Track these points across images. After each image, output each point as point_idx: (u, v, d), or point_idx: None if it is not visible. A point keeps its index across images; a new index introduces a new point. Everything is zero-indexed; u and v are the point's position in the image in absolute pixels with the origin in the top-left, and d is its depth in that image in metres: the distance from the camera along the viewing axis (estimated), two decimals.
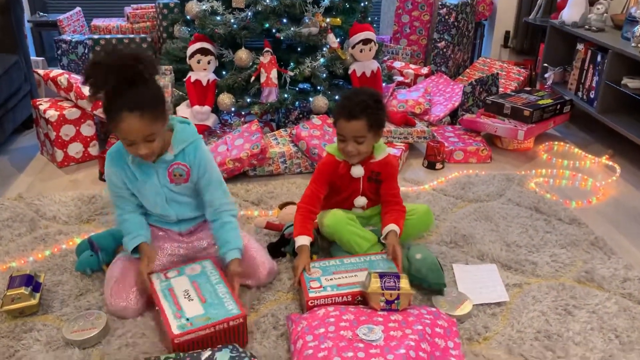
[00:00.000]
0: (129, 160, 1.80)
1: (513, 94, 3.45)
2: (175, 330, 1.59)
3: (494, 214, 2.50)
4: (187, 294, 1.74)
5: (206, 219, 1.98)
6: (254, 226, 2.30)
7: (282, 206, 2.35)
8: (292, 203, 2.32)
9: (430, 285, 1.90)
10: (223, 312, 1.64)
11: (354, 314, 1.63)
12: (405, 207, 2.09)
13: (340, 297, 1.74)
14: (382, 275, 1.69)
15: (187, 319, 1.63)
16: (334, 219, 2.02)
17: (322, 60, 3.18)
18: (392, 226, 2.01)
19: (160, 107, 1.69)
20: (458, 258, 2.17)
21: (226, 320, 1.61)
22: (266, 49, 3.08)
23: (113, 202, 1.90)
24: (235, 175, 2.79)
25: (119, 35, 3.86)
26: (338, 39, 3.26)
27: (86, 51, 3.75)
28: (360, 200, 2.12)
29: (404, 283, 1.67)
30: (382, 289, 1.66)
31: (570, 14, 3.57)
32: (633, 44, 3.06)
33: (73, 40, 3.75)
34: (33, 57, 3.81)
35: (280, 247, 2.14)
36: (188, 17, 3.28)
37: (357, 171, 2.05)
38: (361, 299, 1.75)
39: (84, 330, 1.70)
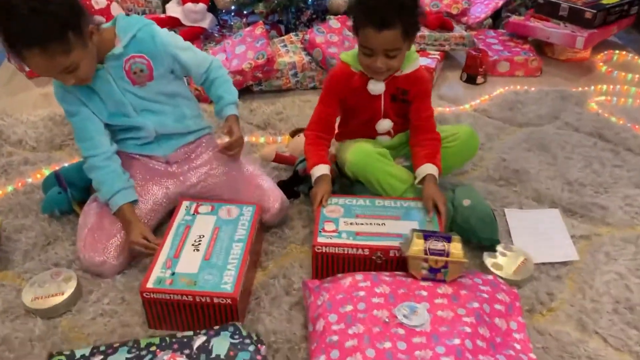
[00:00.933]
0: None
1: None
2: (150, 283, 1.27)
3: (550, 142, 2.06)
4: (199, 241, 1.40)
5: (197, 136, 1.64)
6: (261, 159, 1.89)
7: (293, 133, 1.92)
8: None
9: (480, 239, 1.52)
10: (213, 283, 1.27)
11: (390, 286, 1.27)
12: (439, 134, 1.65)
13: (355, 249, 1.38)
14: (427, 235, 1.30)
15: (173, 274, 1.29)
16: (361, 154, 1.59)
17: None
18: (429, 167, 1.57)
19: (70, 30, 1.26)
20: (510, 200, 1.77)
21: (210, 295, 1.25)
22: None
23: (77, 138, 1.50)
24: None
25: None
26: None
27: None
28: (384, 124, 1.68)
29: (456, 247, 1.29)
30: (426, 254, 1.28)
31: None
32: None
33: None
34: None
35: (292, 186, 1.74)
36: None
37: (376, 87, 1.59)
38: (381, 256, 1.38)
39: (49, 297, 1.36)
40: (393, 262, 1.39)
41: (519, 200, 1.77)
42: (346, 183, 1.73)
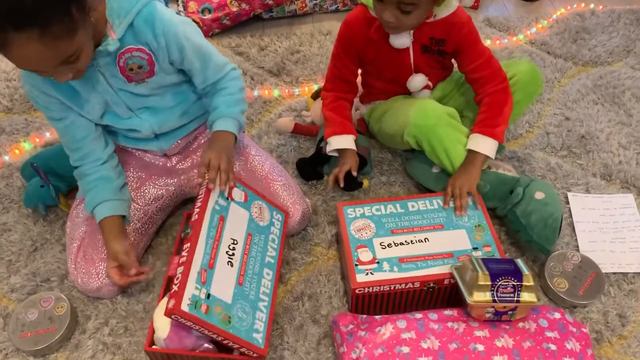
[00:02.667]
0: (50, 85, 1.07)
1: None
2: (185, 304, 0.99)
3: (622, 92, 1.71)
4: (233, 248, 1.14)
5: (201, 121, 1.32)
6: (276, 130, 1.58)
7: (316, 95, 1.59)
8: None
9: (530, 241, 1.26)
10: (247, 327, 1.07)
11: (440, 338, 1.05)
12: (505, 78, 1.31)
13: (404, 284, 1.14)
14: (494, 274, 1.05)
15: (208, 296, 1.04)
16: (428, 116, 1.28)
17: None
18: (476, 140, 1.29)
19: (74, 3, 0.89)
20: (574, 178, 1.48)
21: (240, 343, 1.05)
22: None
23: (63, 144, 1.21)
24: (242, 22, 1.94)
25: None
26: None
27: None
28: (417, 81, 1.36)
29: (528, 288, 1.04)
30: (494, 301, 1.04)
31: None
32: None
33: None
34: None
35: (315, 166, 1.47)
36: None
37: (399, 39, 1.26)
38: (434, 287, 1.15)
39: (39, 333, 1.17)
40: (447, 290, 1.17)
41: (585, 178, 1.48)
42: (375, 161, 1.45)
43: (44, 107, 1.12)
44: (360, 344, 1.07)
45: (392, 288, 1.14)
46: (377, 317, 1.10)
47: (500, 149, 1.32)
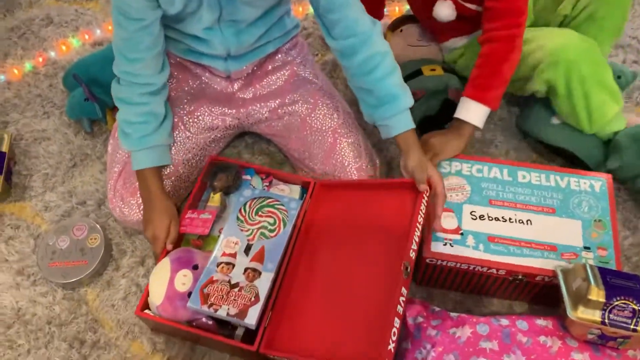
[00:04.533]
0: None
1: None
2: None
3: None
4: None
5: (278, 44, 1.10)
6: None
7: (394, 26, 1.31)
8: (411, 19, 1.29)
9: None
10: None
11: (528, 353, 0.86)
12: (522, 24, 1.02)
13: (486, 268, 0.94)
14: (610, 287, 0.83)
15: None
16: (576, 47, 1.04)
17: None
18: (466, 106, 1.05)
19: None
20: None
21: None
22: None
23: (117, 46, 0.96)
24: None
25: None
26: None
27: None
28: (444, 9, 1.11)
29: None
30: (604, 323, 0.83)
31: None
32: None
33: None
34: None
35: (441, 122, 1.19)
36: None
37: None
38: (522, 279, 0.95)
39: (69, 265, 1.06)
40: (537, 287, 0.96)
41: None
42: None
43: (125, 3, 0.90)
44: (428, 344, 0.89)
45: (470, 268, 0.95)
46: (453, 314, 0.92)
47: None
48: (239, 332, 0.91)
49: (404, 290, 0.83)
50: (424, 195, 0.92)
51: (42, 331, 1.01)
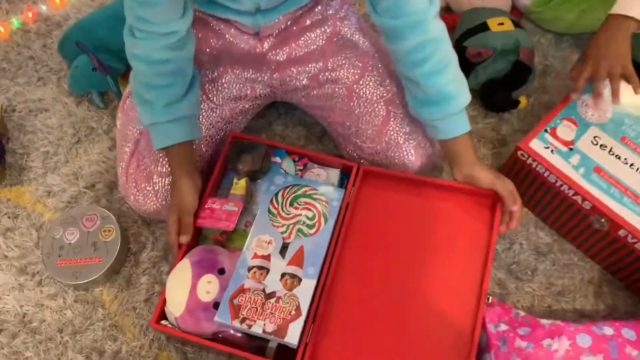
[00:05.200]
0: None
1: None
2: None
3: None
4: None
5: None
6: None
7: None
8: None
9: None
10: None
11: None
12: None
13: (573, 192, 0.85)
14: None
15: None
16: None
17: None
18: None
19: None
20: None
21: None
22: None
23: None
24: None
25: None
26: None
27: None
28: None
29: None
30: None
31: None
32: None
33: None
34: None
35: (512, 87, 1.02)
36: None
37: None
38: (603, 223, 0.83)
39: (80, 262, 0.90)
40: (627, 247, 0.83)
41: None
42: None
43: None
44: (518, 358, 0.75)
45: (556, 184, 0.86)
46: (544, 321, 0.77)
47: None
48: (272, 344, 0.77)
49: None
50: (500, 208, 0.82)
51: (52, 341, 0.87)
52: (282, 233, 0.82)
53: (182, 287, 0.77)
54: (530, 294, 0.89)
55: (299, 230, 0.82)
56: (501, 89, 1.00)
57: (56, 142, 1.04)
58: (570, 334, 0.75)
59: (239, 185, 0.87)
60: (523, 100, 1.04)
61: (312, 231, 0.82)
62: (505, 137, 1.02)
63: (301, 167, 0.92)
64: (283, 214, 0.84)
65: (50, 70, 1.12)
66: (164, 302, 0.78)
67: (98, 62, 0.98)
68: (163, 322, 0.79)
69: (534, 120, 1.03)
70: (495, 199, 0.83)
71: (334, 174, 0.91)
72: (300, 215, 0.84)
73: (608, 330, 0.75)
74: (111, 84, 1.01)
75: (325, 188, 0.86)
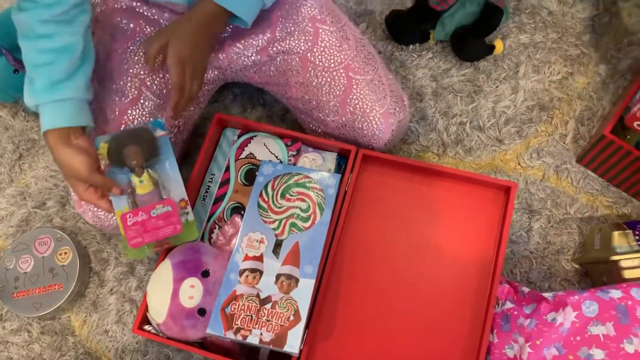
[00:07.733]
0: None
1: None
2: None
3: None
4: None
5: None
6: None
7: None
8: None
9: None
10: None
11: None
12: None
13: None
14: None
15: None
16: None
17: None
18: None
19: None
20: None
21: None
22: None
23: None
24: None
25: None
26: None
27: None
28: None
29: None
30: None
31: None
32: None
33: None
34: None
35: (417, 21, 0.94)
36: None
37: None
38: None
39: (39, 292, 0.82)
40: None
41: None
42: None
43: None
44: (521, 337, 0.69)
45: None
46: (547, 295, 0.70)
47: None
48: (264, 351, 0.70)
49: None
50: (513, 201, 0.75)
51: None
52: (275, 229, 0.74)
53: (163, 292, 0.70)
54: (527, 258, 0.83)
55: (293, 224, 0.75)
56: (473, 35, 0.91)
57: None
58: (575, 303, 0.68)
59: (145, 183, 0.73)
60: (499, 45, 0.94)
61: (307, 225, 0.75)
62: (482, 88, 0.93)
63: (294, 153, 0.83)
64: (274, 208, 0.76)
65: None
66: (146, 307, 0.72)
67: (15, 60, 0.88)
68: (146, 327, 0.72)
69: (514, 65, 0.93)
70: (507, 189, 0.76)
71: (331, 157, 0.82)
72: (293, 207, 0.76)
73: (615, 293, 0.69)
74: None
75: (318, 174, 0.77)
